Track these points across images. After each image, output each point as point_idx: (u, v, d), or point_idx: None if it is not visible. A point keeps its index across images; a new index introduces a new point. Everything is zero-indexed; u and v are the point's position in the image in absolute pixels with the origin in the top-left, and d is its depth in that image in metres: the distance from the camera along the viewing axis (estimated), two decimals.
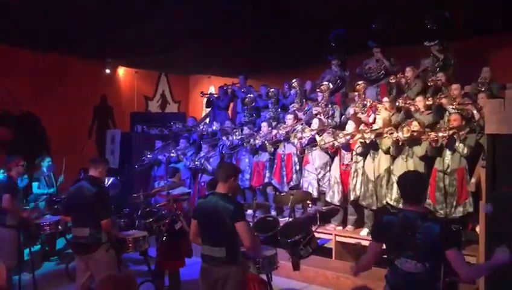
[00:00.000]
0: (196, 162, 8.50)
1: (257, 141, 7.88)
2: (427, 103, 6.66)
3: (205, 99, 11.34)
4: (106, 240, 4.62)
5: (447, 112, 6.54)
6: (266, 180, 7.93)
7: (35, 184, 8.11)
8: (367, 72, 8.28)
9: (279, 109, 9.09)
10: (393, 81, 7.50)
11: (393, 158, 6.40)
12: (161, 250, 5.63)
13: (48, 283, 6.46)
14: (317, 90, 8.07)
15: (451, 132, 5.75)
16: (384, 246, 3.32)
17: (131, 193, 6.81)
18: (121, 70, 12.58)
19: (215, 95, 11.01)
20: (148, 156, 9.16)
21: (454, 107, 6.32)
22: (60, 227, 6.26)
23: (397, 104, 6.75)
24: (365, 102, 6.97)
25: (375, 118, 6.88)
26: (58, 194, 7.64)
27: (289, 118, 7.91)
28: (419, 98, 6.74)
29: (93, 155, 5.02)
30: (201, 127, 9.72)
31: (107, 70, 11.89)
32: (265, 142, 7.86)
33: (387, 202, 6.35)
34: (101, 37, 9.18)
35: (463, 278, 3.00)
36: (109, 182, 6.35)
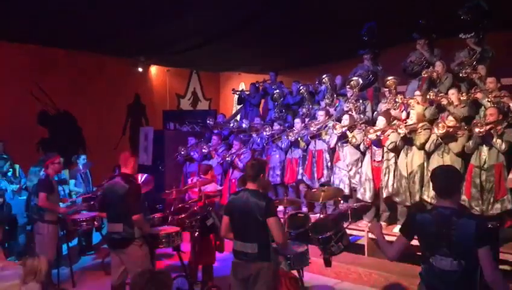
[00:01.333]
0: (227, 159, 8.56)
1: (290, 137, 7.86)
2: (462, 98, 6.49)
3: (236, 96, 11.39)
4: (140, 236, 4.71)
5: (482, 107, 6.36)
6: (299, 177, 7.91)
7: (71, 181, 8.36)
8: (409, 66, 8.11)
9: (312, 105, 9.03)
10: (425, 75, 7.33)
11: (428, 154, 6.26)
12: (193, 245, 5.71)
13: (85, 277, 6.65)
14: (347, 86, 7.97)
15: (488, 127, 5.57)
16: (414, 243, 3.26)
17: (165, 189, 6.93)
18: (153, 69, 12.78)
19: (247, 92, 11.05)
20: (182, 152, 9.28)
21: (489, 100, 6.13)
22: (96, 223, 6.44)
23: (428, 97, 6.59)
24: (397, 98, 6.84)
25: (408, 114, 6.74)
26: (94, 191, 7.83)
27: (320, 114, 7.86)
28: (452, 92, 6.56)
29: (124, 153, 5.09)
30: (232, 124, 9.78)
31: (140, 69, 12.12)
32: (298, 138, 7.84)
33: (423, 199, 6.23)
34: (134, 36, 9.35)
35: (487, 280, 2.91)
36: (142, 179, 6.45)
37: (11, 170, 7.81)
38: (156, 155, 10.12)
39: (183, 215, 5.73)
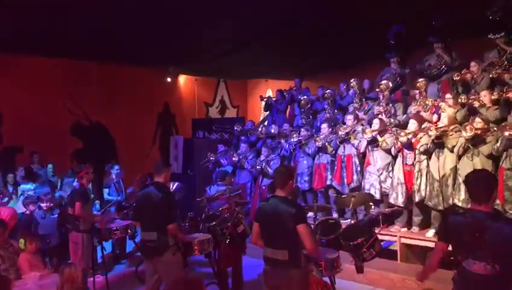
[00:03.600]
0: (257, 167, 8.60)
1: (318, 143, 7.84)
2: (493, 97, 6.35)
3: (263, 102, 11.45)
4: (173, 244, 4.77)
5: None
6: (328, 182, 7.87)
7: (105, 190, 8.56)
8: (427, 69, 8.03)
9: (336, 110, 9.00)
10: (457, 78, 7.21)
11: (459, 157, 6.15)
12: (224, 252, 5.74)
13: (119, 285, 6.77)
14: (377, 89, 7.91)
15: None
16: (450, 247, 3.22)
17: (195, 196, 7.01)
18: (182, 78, 12.99)
19: (274, 99, 11.09)
20: (211, 158, 9.37)
21: None
22: (129, 231, 6.56)
23: (459, 100, 6.49)
24: (427, 101, 6.75)
25: (439, 116, 6.64)
26: (127, 200, 7.99)
27: (349, 118, 7.81)
28: (484, 93, 6.43)
29: (156, 162, 5.20)
30: (260, 130, 9.83)
31: (169, 79, 12.33)
32: (326, 143, 7.82)
33: (454, 203, 6.12)
34: (162, 47, 9.53)
35: None
36: (174, 187, 6.55)
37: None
38: (186, 163, 10.26)
39: (214, 223, 5.79)
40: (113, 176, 8.46)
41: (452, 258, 3.18)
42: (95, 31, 8.22)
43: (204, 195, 6.87)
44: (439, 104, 6.65)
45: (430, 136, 6.23)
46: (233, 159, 9.04)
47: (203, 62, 11.07)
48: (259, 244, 4.13)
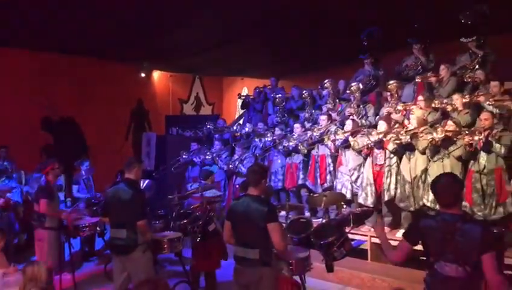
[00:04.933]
0: (230, 165, 8.56)
1: (291, 143, 7.86)
2: (465, 100, 6.47)
3: (240, 100, 11.39)
4: (143, 241, 4.71)
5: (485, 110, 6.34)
6: (300, 181, 7.90)
7: (74, 187, 8.37)
8: (404, 70, 8.13)
9: (314, 110, 9.03)
10: (419, 80, 7.35)
11: (430, 159, 6.24)
12: (195, 251, 5.70)
13: (88, 283, 6.63)
14: (347, 91, 7.99)
15: (486, 133, 5.58)
16: (421, 248, 3.25)
17: (166, 194, 6.93)
18: (156, 74, 12.83)
19: (251, 97, 11.05)
20: (184, 156, 9.28)
21: (491, 103, 6.12)
22: (98, 228, 6.44)
23: (433, 105, 6.59)
24: (398, 106, 6.84)
25: (409, 118, 6.74)
26: (97, 196, 7.84)
27: (322, 118, 7.85)
28: (456, 97, 6.55)
29: (127, 158, 5.13)
30: (234, 128, 9.79)
31: (143, 75, 12.14)
32: (299, 144, 7.83)
33: (424, 204, 6.21)
34: (137, 42, 9.38)
35: (490, 285, 2.90)
36: (145, 184, 6.46)
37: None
38: (159, 160, 10.12)
39: (185, 221, 5.73)
40: (83, 172, 8.27)
41: (424, 258, 3.20)
42: (67, 24, 8.03)
43: (181, 193, 6.82)
44: (410, 107, 6.75)
45: (400, 139, 6.31)
46: (207, 157, 8.97)
47: (178, 58, 10.96)
48: (231, 242, 4.12)
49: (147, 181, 6.59)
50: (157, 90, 12.89)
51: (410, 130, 6.30)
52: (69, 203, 7.94)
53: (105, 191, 5.46)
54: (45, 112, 10.15)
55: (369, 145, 6.80)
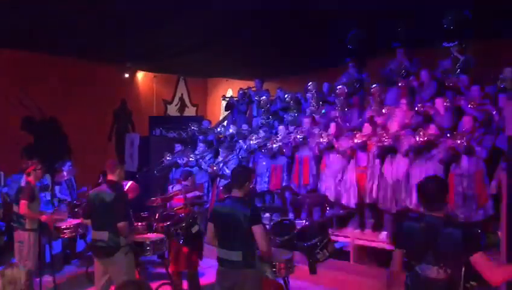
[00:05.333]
0: (214, 167, 8.52)
1: (274, 145, 7.87)
2: (446, 104, 6.57)
3: (224, 102, 11.35)
4: (125, 244, 4.66)
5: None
6: (284, 183, 7.91)
7: (56, 188, 8.26)
8: (388, 74, 8.21)
9: (298, 113, 9.05)
10: (403, 84, 7.44)
11: (412, 161, 6.32)
12: (178, 253, 5.65)
13: (69, 285, 6.56)
14: (332, 94, 8.04)
15: (468, 136, 5.67)
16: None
17: (150, 196, 6.88)
18: (140, 75, 12.72)
19: (236, 99, 11.02)
20: (168, 158, 9.20)
21: (472, 107, 6.22)
22: (80, 230, 6.36)
23: (416, 109, 6.68)
24: (383, 109, 6.92)
25: (392, 121, 6.81)
26: (79, 198, 7.75)
27: (306, 121, 7.89)
28: (438, 101, 6.64)
29: (109, 160, 5.08)
30: (218, 130, 9.75)
31: (126, 75, 12.03)
32: (282, 146, 7.84)
33: (406, 206, 6.28)
34: (121, 42, 9.30)
35: (493, 283, 2.91)
36: (127, 186, 6.39)
37: None
38: (142, 162, 10.04)
39: (168, 223, 5.69)
40: (64, 173, 8.17)
41: (405, 259, 3.23)
42: (51, 24, 7.92)
43: (165, 194, 6.77)
44: (393, 111, 6.83)
45: (384, 142, 6.37)
46: (190, 159, 8.91)
47: (161, 59, 10.88)
48: (214, 244, 4.09)
49: (130, 183, 6.51)
50: (141, 91, 12.79)
51: (393, 133, 6.37)
52: (55, 203, 7.83)
53: (87, 193, 5.40)
54: (26, 112, 10.00)
55: (353, 148, 6.86)
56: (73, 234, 6.43)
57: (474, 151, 5.74)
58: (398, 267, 3.34)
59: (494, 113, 6.08)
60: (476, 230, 5.03)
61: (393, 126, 6.61)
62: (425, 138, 5.88)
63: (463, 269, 3.02)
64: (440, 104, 6.63)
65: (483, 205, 5.73)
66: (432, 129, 6.02)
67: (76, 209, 7.04)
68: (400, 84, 7.84)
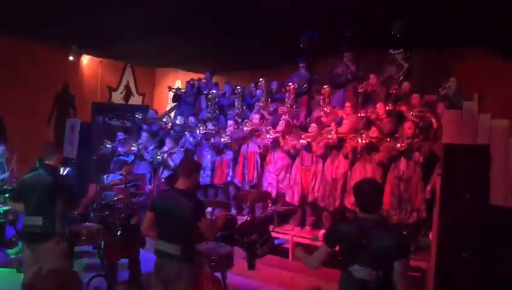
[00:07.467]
0: (158, 157, 8.35)
1: (223, 140, 7.82)
2: (388, 108, 6.80)
3: (172, 93, 11.16)
4: (60, 231, 4.49)
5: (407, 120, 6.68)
6: (229, 178, 7.89)
7: None
8: (335, 76, 8.36)
9: (245, 108, 9.06)
10: (361, 90, 7.62)
11: (352, 163, 6.49)
12: (114, 244, 5.49)
13: None
14: (282, 89, 8.10)
15: (408, 141, 5.89)
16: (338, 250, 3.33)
17: (88, 183, 6.63)
18: (85, 59, 12.26)
19: (183, 90, 10.86)
20: (108, 146, 8.88)
21: (413, 114, 6.46)
22: (10, 217, 6.05)
23: (360, 114, 6.86)
24: (328, 108, 7.05)
25: (339, 123, 6.95)
26: (10, 182, 7.34)
27: (255, 117, 7.90)
28: (379, 105, 6.87)
29: (46, 143, 4.86)
30: (164, 120, 9.57)
31: (71, 58, 11.54)
32: (230, 140, 7.81)
33: (344, 205, 6.44)
34: (66, 23, 8.89)
35: None
36: (65, 172, 6.14)
37: None
38: (82, 148, 9.67)
39: (106, 213, 5.51)
40: None
41: (340, 258, 3.28)
42: None
43: (100, 183, 6.53)
44: (338, 112, 6.98)
45: (329, 141, 6.50)
46: (132, 148, 8.67)
47: (109, 44, 10.53)
48: (149, 234, 4.04)
49: (67, 169, 6.26)
50: (85, 76, 12.32)
51: (340, 134, 6.52)
52: None
53: (22, 177, 5.12)
54: None
55: (297, 147, 6.94)
56: (2, 220, 6.10)
57: (413, 156, 5.96)
58: (317, 262, 3.39)
59: (433, 120, 6.34)
60: (406, 236, 5.24)
61: (344, 129, 6.76)
62: (367, 141, 6.05)
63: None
64: (382, 108, 6.84)
65: (417, 208, 5.97)
66: (374, 132, 6.19)
67: (7, 195, 6.68)
68: (348, 88, 8.02)
